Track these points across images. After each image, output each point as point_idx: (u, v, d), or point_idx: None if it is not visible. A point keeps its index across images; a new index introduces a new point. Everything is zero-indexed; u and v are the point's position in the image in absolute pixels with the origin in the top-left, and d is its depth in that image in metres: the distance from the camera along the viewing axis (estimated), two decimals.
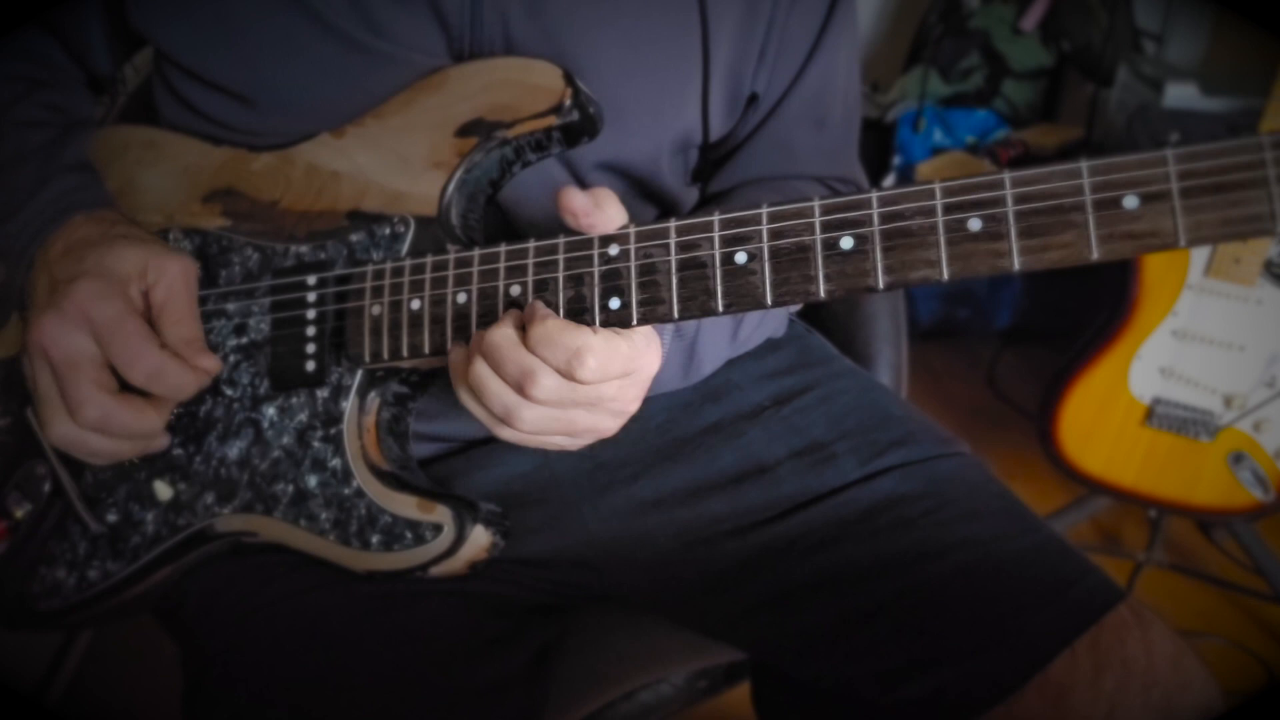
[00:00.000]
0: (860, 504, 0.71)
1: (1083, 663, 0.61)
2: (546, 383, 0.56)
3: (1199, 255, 1.40)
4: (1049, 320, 2.16)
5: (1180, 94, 1.81)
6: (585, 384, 0.56)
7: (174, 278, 0.67)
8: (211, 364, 0.68)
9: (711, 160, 0.80)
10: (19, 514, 0.72)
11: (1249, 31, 1.80)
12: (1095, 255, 0.48)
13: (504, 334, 0.57)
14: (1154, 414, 1.46)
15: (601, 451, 0.77)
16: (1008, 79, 2.29)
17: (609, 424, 0.61)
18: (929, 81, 2.26)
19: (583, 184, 0.73)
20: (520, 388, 0.56)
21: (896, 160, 2.25)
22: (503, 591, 0.74)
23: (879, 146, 2.27)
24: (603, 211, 0.58)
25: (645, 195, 0.76)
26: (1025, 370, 2.18)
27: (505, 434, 0.60)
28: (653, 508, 0.75)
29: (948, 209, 0.51)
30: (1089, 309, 1.53)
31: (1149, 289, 1.43)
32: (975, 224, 0.50)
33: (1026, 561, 0.67)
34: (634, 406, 0.62)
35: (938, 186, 0.51)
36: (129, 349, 0.64)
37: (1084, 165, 0.48)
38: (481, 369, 0.58)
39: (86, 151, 0.75)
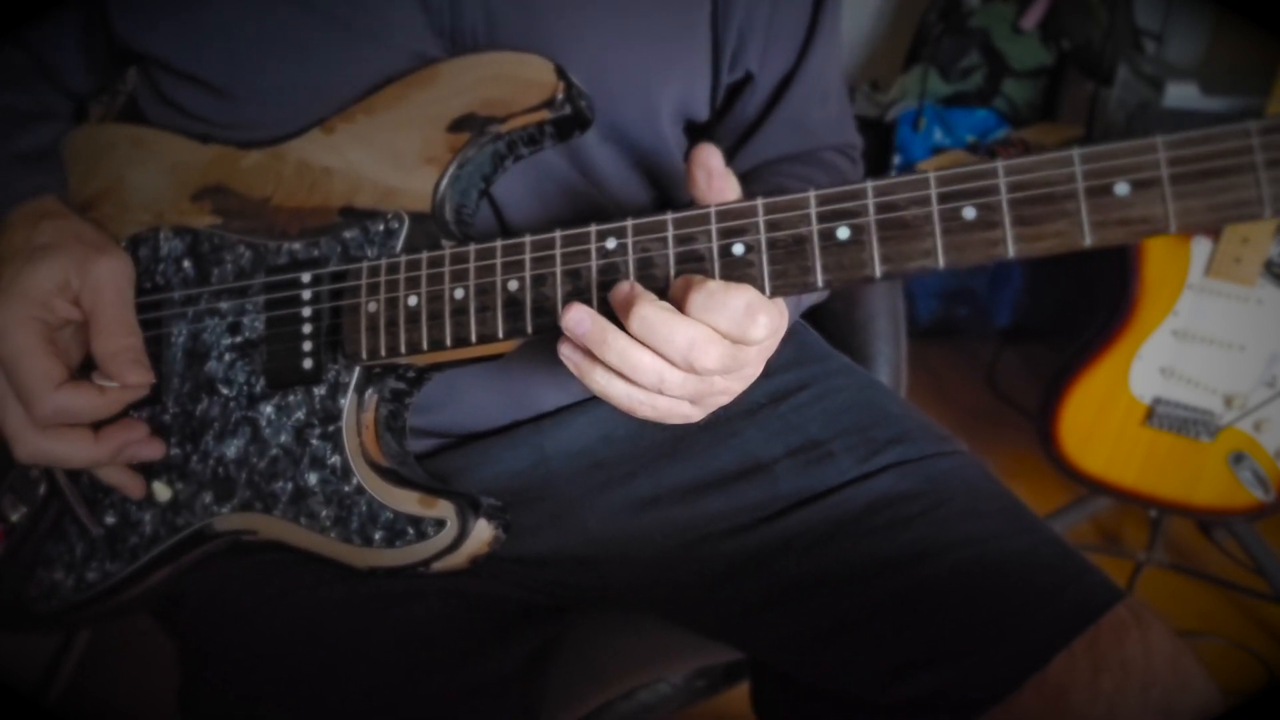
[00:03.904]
0: (858, 502, 0.71)
1: (1081, 663, 0.61)
2: (714, 352, 0.53)
3: (1199, 255, 1.40)
4: (1049, 319, 2.16)
5: (1180, 93, 1.81)
6: (755, 344, 0.54)
7: (99, 284, 0.65)
8: (137, 378, 0.65)
9: (727, 145, 0.80)
10: (14, 517, 0.72)
11: (1249, 31, 1.80)
12: (1088, 242, 0.49)
13: (657, 309, 0.53)
14: (1154, 414, 1.46)
15: (600, 449, 0.76)
16: (1008, 78, 2.28)
17: (737, 390, 0.59)
18: (929, 80, 2.26)
19: (582, 157, 0.72)
20: (689, 362, 0.53)
21: (896, 160, 2.25)
22: (501, 590, 0.74)
23: (879, 146, 2.27)
24: (728, 180, 0.56)
25: (648, 169, 0.75)
26: (1025, 370, 2.18)
27: (645, 410, 0.57)
28: (650, 506, 0.74)
29: (942, 198, 0.51)
30: (1090, 308, 1.53)
31: (1149, 289, 1.43)
32: (970, 213, 0.50)
33: (1025, 561, 0.66)
34: (758, 373, 0.60)
35: (932, 176, 0.51)
36: (27, 393, 0.62)
37: (1076, 153, 0.49)
38: (624, 344, 0.54)
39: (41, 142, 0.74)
